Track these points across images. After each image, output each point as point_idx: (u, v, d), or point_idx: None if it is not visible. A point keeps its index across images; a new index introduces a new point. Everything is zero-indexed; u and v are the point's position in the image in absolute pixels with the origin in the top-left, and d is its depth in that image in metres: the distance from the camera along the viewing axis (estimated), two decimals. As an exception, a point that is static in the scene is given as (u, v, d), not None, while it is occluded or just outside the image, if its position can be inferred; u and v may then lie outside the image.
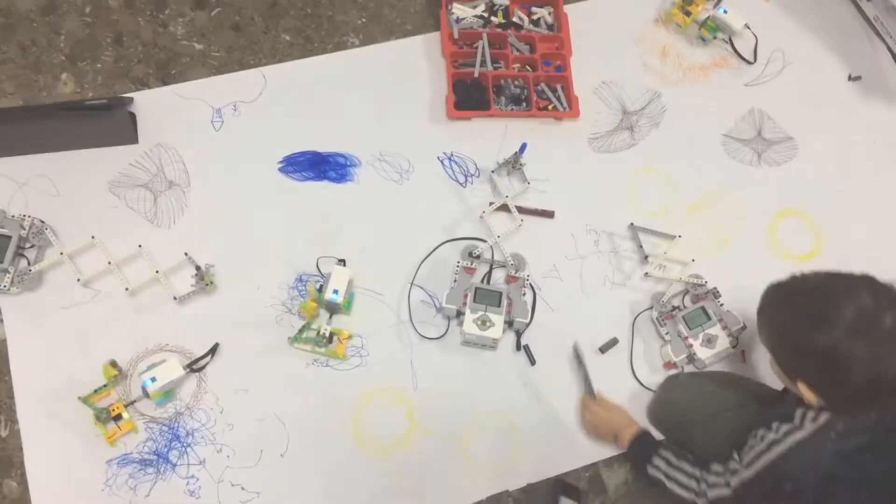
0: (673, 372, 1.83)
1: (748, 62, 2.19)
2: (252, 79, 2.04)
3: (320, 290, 1.78)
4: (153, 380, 1.65)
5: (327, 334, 1.76)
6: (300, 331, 1.78)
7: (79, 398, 1.67)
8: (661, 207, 2.01)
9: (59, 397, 1.70)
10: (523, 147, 1.92)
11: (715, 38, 2.19)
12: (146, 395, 1.68)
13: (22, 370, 1.73)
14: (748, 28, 2.17)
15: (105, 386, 1.69)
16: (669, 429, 1.74)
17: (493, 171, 1.97)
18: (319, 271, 1.84)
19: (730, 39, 2.19)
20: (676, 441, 1.72)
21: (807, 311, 1.27)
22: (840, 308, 1.22)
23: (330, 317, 1.80)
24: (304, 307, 1.76)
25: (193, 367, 1.72)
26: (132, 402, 1.69)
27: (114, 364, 1.69)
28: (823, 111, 2.16)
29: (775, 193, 2.05)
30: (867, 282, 1.24)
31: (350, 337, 1.79)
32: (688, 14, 2.19)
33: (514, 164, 1.96)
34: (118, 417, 1.67)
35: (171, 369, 1.68)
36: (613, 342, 1.84)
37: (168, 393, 1.70)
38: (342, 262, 1.83)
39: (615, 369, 1.84)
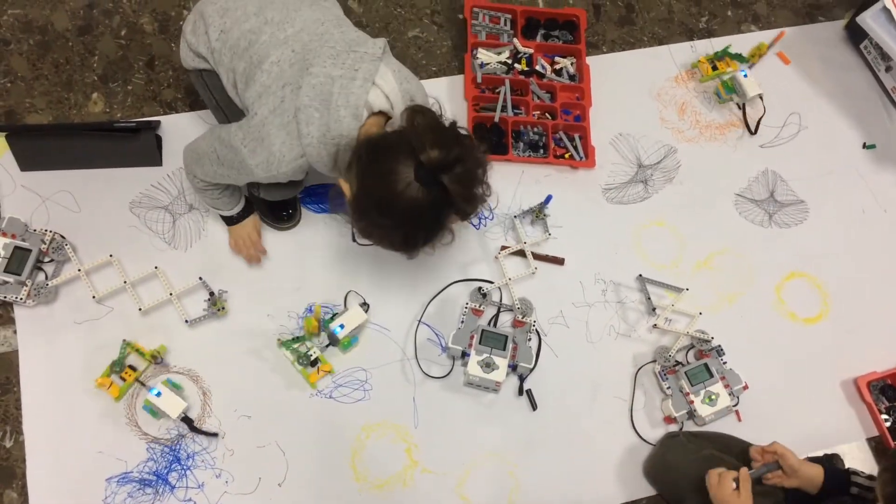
0: (672, 428, 1.84)
1: (750, 132, 2.20)
2: (277, 109, 2.07)
3: (332, 318, 1.81)
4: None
5: (313, 357, 1.79)
6: (293, 340, 1.81)
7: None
8: (670, 261, 2.03)
9: (66, 411, 1.73)
10: (548, 199, 1.96)
11: (730, 99, 2.22)
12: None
13: (31, 382, 1.75)
14: (760, 99, 2.19)
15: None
16: (663, 487, 1.76)
17: (515, 217, 1.99)
18: (345, 305, 1.88)
19: (742, 106, 2.21)
20: (669, 501, 1.73)
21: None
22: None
23: (327, 345, 1.82)
24: (308, 322, 1.80)
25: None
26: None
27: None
28: (836, 177, 2.18)
29: (784, 255, 2.07)
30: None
31: (331, 372, 1.81)
32: (714, 68, 2.23)
33: (538, 213, 1.99)
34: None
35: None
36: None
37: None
38: (366, 305, 1.86)
39: (615, 419, 1.85)
